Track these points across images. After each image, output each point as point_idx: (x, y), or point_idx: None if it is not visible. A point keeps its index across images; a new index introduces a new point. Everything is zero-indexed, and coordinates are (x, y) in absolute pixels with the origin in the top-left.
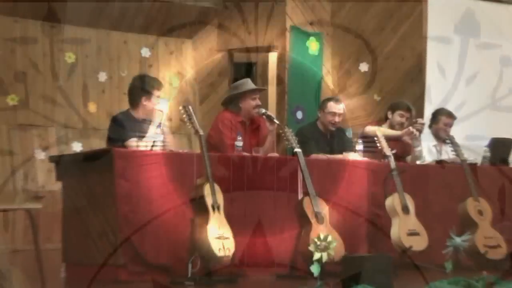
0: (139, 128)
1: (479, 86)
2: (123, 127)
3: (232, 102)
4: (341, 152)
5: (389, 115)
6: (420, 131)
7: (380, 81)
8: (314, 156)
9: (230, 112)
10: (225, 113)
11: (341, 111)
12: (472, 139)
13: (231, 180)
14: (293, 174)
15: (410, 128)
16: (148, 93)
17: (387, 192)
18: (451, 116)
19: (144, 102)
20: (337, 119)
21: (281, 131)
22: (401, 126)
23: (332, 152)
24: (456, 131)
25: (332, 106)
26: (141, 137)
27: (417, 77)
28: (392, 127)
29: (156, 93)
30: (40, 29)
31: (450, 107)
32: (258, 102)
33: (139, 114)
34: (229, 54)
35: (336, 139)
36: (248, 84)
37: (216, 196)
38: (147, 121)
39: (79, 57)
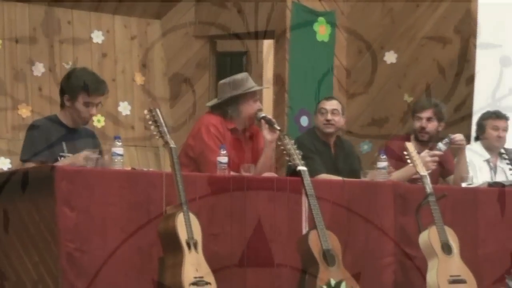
0: (66, 138)
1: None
2: (34, 141)
3: (230, 104)
4: (349, 171)
5: (412, 124)
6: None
7: (412, 76)
8: (323, 176)
9: (218, 116)
10: (210, 117)
11: (334, 107)
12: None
13: (213, 208)
14: (296, 201)
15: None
16: (72, 93)
17: (421, 224)
18: (500, 116)
19: (67, 102)
20: (330, 116)
21: (279, 143)
22: (426, 134)
23: (337, 171)
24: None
25: (322, 103)
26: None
27: (464, 70)
28: (417, 139)
29: (83, 97)
30: None
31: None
32: (259, 104)
33: (66, 118)
34: (210, 40)
35: (341, 154)
36: (249, 80)
37: (192, 230)
38: (80, 131)
39: (7, 42)
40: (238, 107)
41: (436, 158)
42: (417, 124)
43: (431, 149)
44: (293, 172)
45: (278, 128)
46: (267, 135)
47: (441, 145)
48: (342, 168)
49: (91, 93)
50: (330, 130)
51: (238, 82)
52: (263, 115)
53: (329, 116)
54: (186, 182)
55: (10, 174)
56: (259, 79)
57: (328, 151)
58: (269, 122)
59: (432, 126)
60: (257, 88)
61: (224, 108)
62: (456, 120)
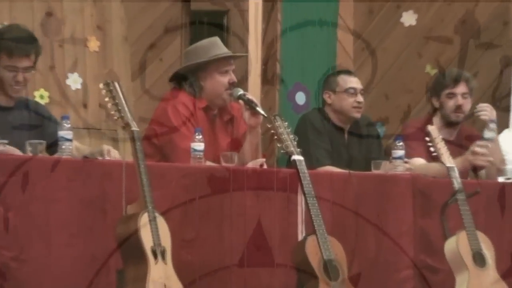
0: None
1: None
2: None
3: (188, 77)
4: (365, 162)
5: (435, 103)
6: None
7: (437, 42)
8: (326, 169)
9: (186, 93)
10: (178, 94)
11: (361, 86)
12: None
13: (186, 208)
14: (290, 199)
15: (477, 146)
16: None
17: (447, 229)
18: None
19: None
20: (360, 98)
21: (269, 126)
22: (462, 113)
23: (350, 161)
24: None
25: (348, 80)
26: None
27: (501, 34)
28: (447, 122)
29: (4, 59)
30: None
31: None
32: (232, 77)
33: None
34: None
35: (356, 139)
36: (215, 47)
37: (159, 235)
38: (18, 107)
39: None
40: (199, 81)
41: (486, 150)
42: (450, 103)
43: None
44: (291, 163)
45: (262, 112)
46: (248, 119)
47: (488, 133)
48: (357, 156)
49: (13, 54)
50: (359, 115)
51: (200, 49)
52: (240, 92)
53: (360, 98)
54: (152, 174)
55: None
56: (243, 46)
57: (341, 136)
58: (248, 103)
59: (468, 104)
60: (224, 53)
61: (185, 82)
62: None
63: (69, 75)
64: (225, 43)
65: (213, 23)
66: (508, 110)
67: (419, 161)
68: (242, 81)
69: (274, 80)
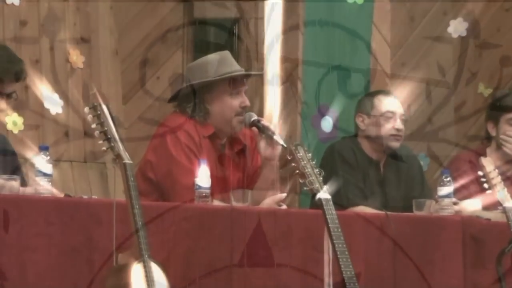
0: None
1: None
2: None
3: (192, 99)
4: (405, 201)
5: (491, 130)
6: None
7: (491, 57)
8: (359, 209)
9: (189, 118)
10: (179, 119)
11: (402, 111)
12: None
13: (189, 256)
14: (315, 245)
15: None
16: None
17: (504, 282)
18: None
19: None
20: (399, 124)
21: (289, 157)
22: None
23: (387, 200)
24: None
25: (386, 102)
26: None
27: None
28: (503, 153)
29: None
30: None
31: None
32: (244, 100)
33: None
34: (184, 3)
35: (394, 174)
36: (225, 62)
37: None
38: None
39: None
40: (204, 104)
41: None
42: (509, 129)
43: None
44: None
45: (281, 142)
46: (264, 150)
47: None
48: (395, 195)
49: (4, 79)
50: (397, 144)
51: (206, 66)
52: (254, 118)
53: (400, 124)
54: (148, 216)
55: None
56: (257, 61)
57: (376, 170)
58: (264, 131)
59: None
60: (234, 73)
61: (187, 105)
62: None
63: (48, 96)
64: (236, 57)
65: (220, 31)
66: None
67: (473, 205)
68: (258, 104)
69: (295, 100)
